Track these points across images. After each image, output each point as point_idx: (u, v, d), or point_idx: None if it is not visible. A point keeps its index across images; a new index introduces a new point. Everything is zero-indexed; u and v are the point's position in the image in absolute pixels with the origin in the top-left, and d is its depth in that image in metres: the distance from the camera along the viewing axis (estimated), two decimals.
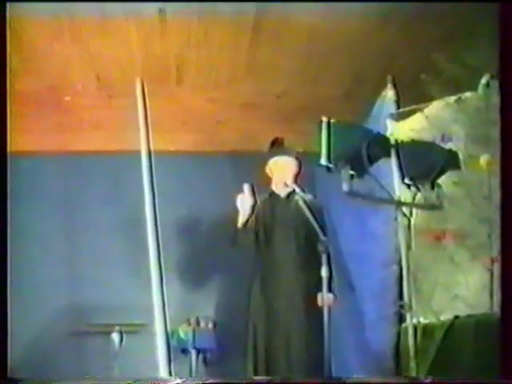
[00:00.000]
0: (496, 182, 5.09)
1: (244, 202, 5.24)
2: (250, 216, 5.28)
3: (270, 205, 5.45)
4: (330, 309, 4.46)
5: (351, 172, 4.02)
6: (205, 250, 6.65)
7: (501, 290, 4.01)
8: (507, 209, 4.01)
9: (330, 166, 4.01)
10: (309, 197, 5.31)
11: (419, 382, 4.38)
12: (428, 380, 4.42)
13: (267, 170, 5.52)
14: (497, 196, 5.07)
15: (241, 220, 5.28)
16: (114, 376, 5.82)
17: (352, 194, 4.06)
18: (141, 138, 5.53)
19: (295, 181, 5.37)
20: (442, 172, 4.47)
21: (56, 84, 6.48)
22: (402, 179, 4.39)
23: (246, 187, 5.22)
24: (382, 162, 4.39)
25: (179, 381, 4.78)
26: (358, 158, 4.03)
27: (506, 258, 3.94)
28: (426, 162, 4.40)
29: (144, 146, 5.52)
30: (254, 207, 5.28)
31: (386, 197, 4.52)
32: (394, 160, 4.37)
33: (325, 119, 4.06)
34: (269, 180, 5.55)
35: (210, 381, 4.57)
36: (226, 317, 6.33)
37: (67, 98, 6.62)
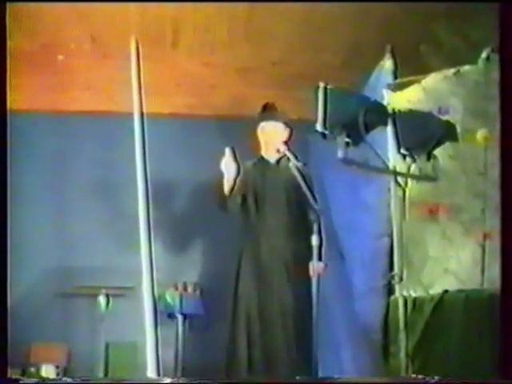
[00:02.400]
0: (492, 157, 5.06)
1: (228, 166, 5.19)
2: (235, 180, 5.23)
3: (259, 170, 5.40)
4: (319, 277, 4.42)
5: (347, 139, 3.95)
6: (194, 215, 6.62)
7: (501, 290, 3.95)
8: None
9: (326, 132, 3.95)
10: (299, 164, 5.25)
11: (422, 382, 4.35)
12: (431, 381, 4.39)
13: (259, 134, 5.47)
14: (492, 172, 5.04)
15: (227, 185, 5.24)
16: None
17: (347, 161, 4.00)
18: (133, 99, 5.45)
19: (287, 147, 5.32)
20: (438, 143, 4.42)
21: (49, 43, 6.39)
22: (398, 149, 4.32)
23: (228, 151, 5.17)
24: (377, 132, 4.33)
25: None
26: (354, 126, 3.97)
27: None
28: (423, 133, 4.35)
29: (136, 107, 5.43)
30: (238, 170, 5.22)
31: (381, 166, 4.46)
32: (390, 129, 4.31)
33: (322, 85, 3.99)
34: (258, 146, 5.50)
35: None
36: (214, 283, 6.31)
37: (60, 57, 6.53)
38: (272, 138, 5.40)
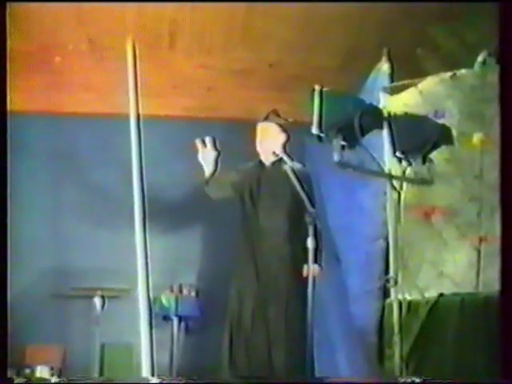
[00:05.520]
0: (488, 160, 5.08)
1: (206, 156, 5.22)
2: (215, 170, 5.26)
3: (256, 172, 5.38)
4: (314, 280, 4.40)
5: (342, 142, 3.96)
6: (190, 218, 6.62)
7: (500, 291, 3.94)
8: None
9: (321, 135, 3.96)
10: (297, 165, 5.23)
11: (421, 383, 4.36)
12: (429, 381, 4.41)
13: (257, 138, 5.44)
14: (488, 175, 5.06)
15: (206, 175, 5.27)
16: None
17: (342, 164, 4.02)
18: (130, 101, 5.46)
19: (283, 150, 5.30)
20: (434, 147, 4.42)
21: (46, 44, 6.39)
22: (394, 152, 4.33)
23: (208, 139, 5.20)
24: (373, 135, 4.34)
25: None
26: (350, 129, 3.98)
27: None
28: (418, 136, 4.35)
29: (133, 109, 5.45)
30: (217, 160, 5.25)
31: (376, 169, 4.47)
32: (386, 132, 4.32)
33: (317, 87, 4.00)
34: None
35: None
36: (210, 285, 6.31)
37: (57, 59, 6.52)
38: (269, 140, 5.38)
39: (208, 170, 5.25)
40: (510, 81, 3.86)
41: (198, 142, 5.22)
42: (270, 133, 5.34)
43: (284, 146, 5.29)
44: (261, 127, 5.38)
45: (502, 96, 3.99)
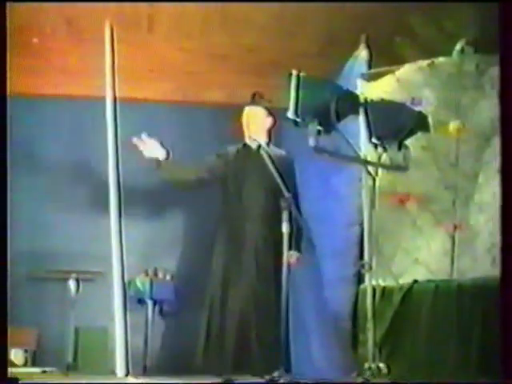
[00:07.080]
0: (464, 149, 5.11)
1: (150, 149, 5.13)
2: (168, 154, 5.19)
3: (241, 156, 5.36)
4: (289, 266, 4.41)
5: (318, 127, 3.97)
6: (167, 200, 6.61)
7: (501, 290, 3.94)
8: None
9: (298, 120, 3.96)
10: (279, 152, 5.24)
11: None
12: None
13: (243, 121, 5.41)
14: (463, 163, 5.10)
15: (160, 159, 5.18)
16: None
17: (318, 149, 4.02)
18: (106, 84, 5.44)
19: (268, 135, 5.29)
20: (410, 133, 4.43)
21: (24, 25, 6.32)
22: (369, 138, 4.34)
23: (142, 135, 5.10)
24: (349, 121, 4.35)
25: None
26: (326, 114, 3.98)
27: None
28: (394, 122, 4.36)
29: (109, 92, 5.43)
30: (162, 145, 5.16)
31: (352, 155, 4.48)
32: (362, 118, 4.32)
33: (294, 72, 4.00)
34: (241, 132, 5.46)
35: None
36: (185, 269, 6.32)
37: (35, 40, 6.46)
38: (252, 124, 5.36)
39: (161, 156, 5.19)
40: (510, 80, 3.87)
41: (137, 141, 5.10)
42: (257, 116, 5.34)
43: (270, 131, 5.29)
44: (248, 110, 5.37)
45: (502, 96, 3.99)
